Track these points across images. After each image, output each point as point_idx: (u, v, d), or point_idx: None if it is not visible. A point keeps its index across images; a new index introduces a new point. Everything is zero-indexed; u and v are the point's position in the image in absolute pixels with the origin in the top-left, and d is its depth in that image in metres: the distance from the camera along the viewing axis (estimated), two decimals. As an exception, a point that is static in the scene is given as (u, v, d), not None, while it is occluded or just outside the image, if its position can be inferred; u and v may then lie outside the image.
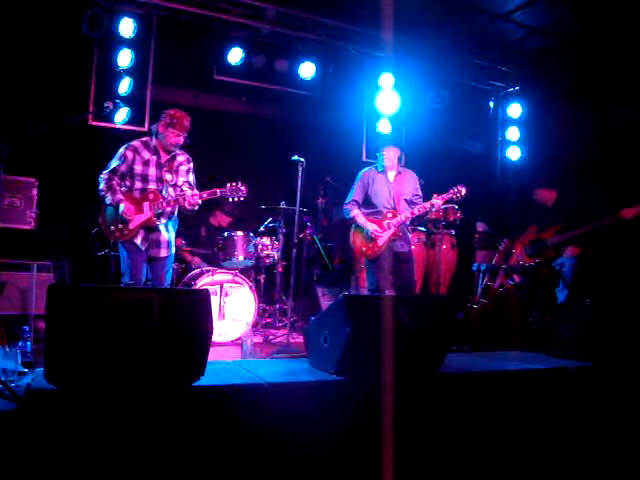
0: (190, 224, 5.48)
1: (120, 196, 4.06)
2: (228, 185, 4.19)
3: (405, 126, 6.78)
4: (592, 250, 5.19)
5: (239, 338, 4.95)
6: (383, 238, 4.71)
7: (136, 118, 5.57)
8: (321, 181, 6.39)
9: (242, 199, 4.25)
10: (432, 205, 4.72)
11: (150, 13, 5.63)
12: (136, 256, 4.08)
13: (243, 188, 4.20)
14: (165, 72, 5.82)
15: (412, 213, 4.75)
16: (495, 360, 3.61)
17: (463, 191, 4.75)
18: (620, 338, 3.61)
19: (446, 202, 4.89)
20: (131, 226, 4.05)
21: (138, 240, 4.08)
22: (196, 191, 4.25)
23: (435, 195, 4.75)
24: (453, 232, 6.34)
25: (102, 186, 4.08)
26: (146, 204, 4.09)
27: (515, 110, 7.36)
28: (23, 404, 2.27)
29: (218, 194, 4.18)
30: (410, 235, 5.09)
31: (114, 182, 4.09)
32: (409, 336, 2.87)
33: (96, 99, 5.43)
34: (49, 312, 2.28)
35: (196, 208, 4.16)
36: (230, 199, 4.23)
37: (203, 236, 6.00)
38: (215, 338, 4.44)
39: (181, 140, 4.18)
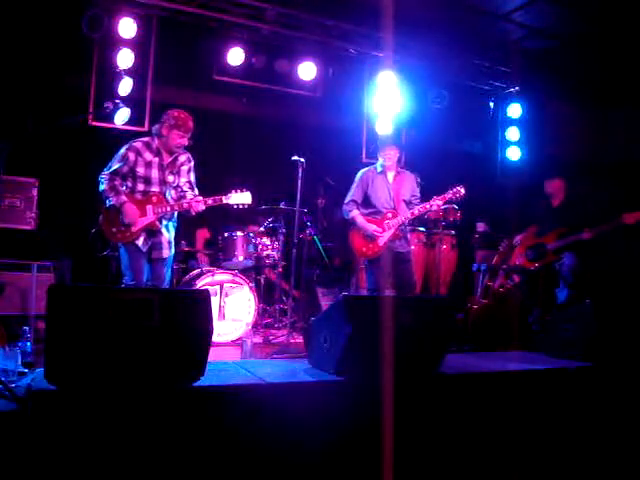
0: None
1: (124, 198, 4.00)
2: (233, 192, 4.19)
3: (405, 126, 6.79)
4: (591, 257, 5.20)
5: (239, 338, 4.95)
6: (383, 238, 4.71)
7: (136, 118, 5.56)
8: (321, 181, 6.38)
9: (246, 207, 4.25)
10: (432, 205, 4.73)
11: (150, 13, 5.62)
12: (137, 257, 4.05)
13: (249, 197, 4.20)
14: (165, 72, 5.81)
15: (412, 214, 4.75)
16: (495, 360, 3.61)
17: (462, 191, 4.75)
18: (620, 338, 3.61)
19: (446, 202, 4.90)
20: (133, 229, 4.01)
21: (140, 242, 4.05)
22: (197, 191, 4.25)
23: (435, 196, 4.76)
24: (453, 232, 6.34)
25: (105, 186, 4.02)
26: (149, 207, 4.04)
27: (515, 110, 7.36)
28: (23, 404, 2.27)
29: (224, 201, 4.17)
30: (409, 235, 5.09)
31: (117, 182, 4.03)
32: (409, 336, 2.88)
33: (96, 99, 5.42)
34: (49, 312, 2.27)
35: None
36: (235, 206, 4.22)
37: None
38: (215, 338, 4.44)
39: (185, 141, 4.14)
